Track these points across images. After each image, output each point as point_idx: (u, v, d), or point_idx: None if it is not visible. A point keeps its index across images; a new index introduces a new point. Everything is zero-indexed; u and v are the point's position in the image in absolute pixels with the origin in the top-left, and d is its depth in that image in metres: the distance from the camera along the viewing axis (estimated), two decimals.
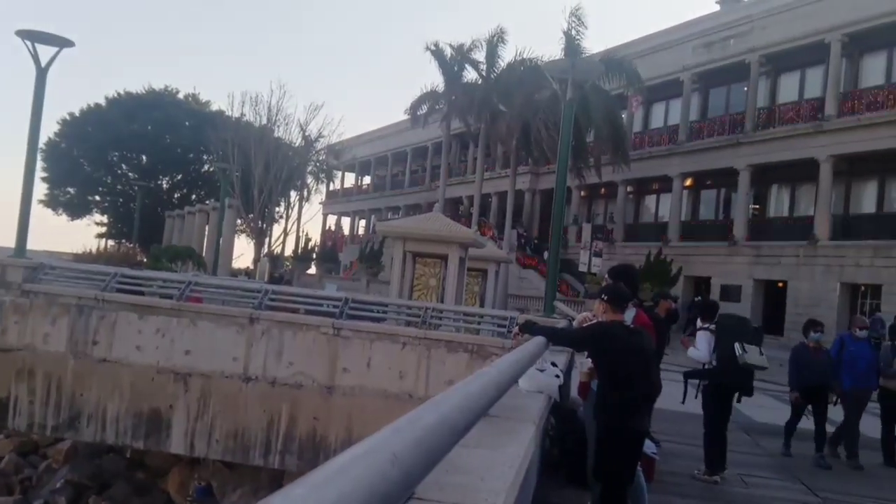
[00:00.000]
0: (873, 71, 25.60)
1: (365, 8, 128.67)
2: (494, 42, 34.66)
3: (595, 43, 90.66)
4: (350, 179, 63.53)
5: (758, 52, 28.29)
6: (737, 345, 6.83)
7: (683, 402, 7.64)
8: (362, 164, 59.96)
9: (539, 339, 4.57)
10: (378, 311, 12.39)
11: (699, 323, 7.55)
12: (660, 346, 8.01)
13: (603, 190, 36.19)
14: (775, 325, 25.12)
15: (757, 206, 29.42)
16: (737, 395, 7.14)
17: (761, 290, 27.13)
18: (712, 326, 7.30)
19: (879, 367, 8.61)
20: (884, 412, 8.87)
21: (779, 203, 29.23)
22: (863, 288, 24.16)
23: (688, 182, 31.84)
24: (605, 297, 4.46)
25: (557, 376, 4.49)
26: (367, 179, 62.15)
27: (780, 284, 26.46)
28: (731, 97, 30.78)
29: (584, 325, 4.83)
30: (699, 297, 26.10)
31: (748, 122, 28.61)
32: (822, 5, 25.69)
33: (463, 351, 10.92)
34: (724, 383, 7.08)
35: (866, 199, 25.71)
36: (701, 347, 7.31)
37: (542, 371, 4.46)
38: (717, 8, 32.28)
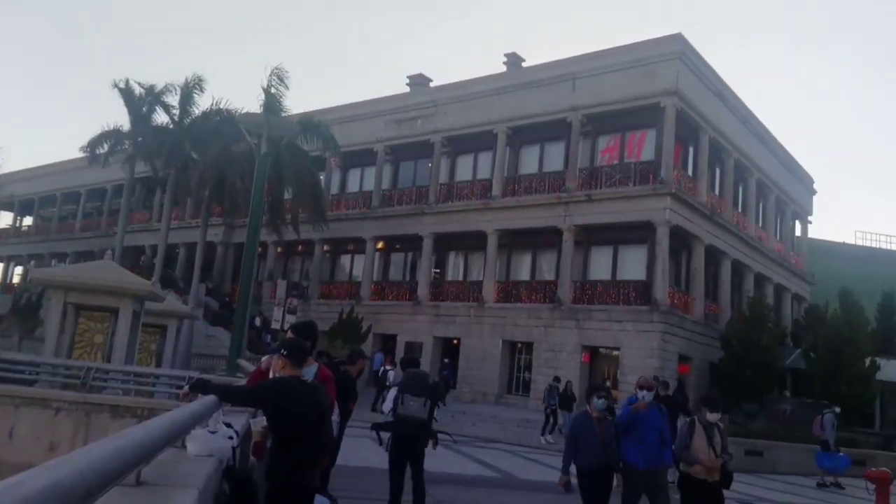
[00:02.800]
0: (529, 160, 30.36)
1: (45, 37, 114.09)
2: (190, 88, 33.31)
3: (299, 104, 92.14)
4: (7, 219, 54.34)
5: (440, 133, 31.73)
6: (401, 397, 7.26)
7: (381, 445, 7.80)
8: (23, 203, 51.87)
9: (209, 398, 4.33)
10: (28, 373, 10.60)
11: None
12: (346, 402, 8.16)
13: (300, 247, 36.46)
14: (452, 379, 27.54)
15: (438, 270, 32.33)
16: (431, 443, 7.43)
17: (440, 346, 29.60)
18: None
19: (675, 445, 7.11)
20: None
21: (455, 268, 32.51)
22: (519, 345, 27.87)
23: (380, 245, 33.77)
24: (285, 352, 4.42)
25: (231, 438, 4.29)
26: (28, 220, 53.69)
27: (455, 341, 29.22)
28: (418, 171, 33.75)
29: (270, 373, 4.73)
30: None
31: (431, 195, 31.64)
32: (492, 100, 29.98)
33: (131, 416, 9.82)
34: (398, 435, 7.44)
35: (523, 268, 29.98)
36: (389, 401, 7.62)
37: (213, 433, 4.23)
38: (407, 89, 35.48)
